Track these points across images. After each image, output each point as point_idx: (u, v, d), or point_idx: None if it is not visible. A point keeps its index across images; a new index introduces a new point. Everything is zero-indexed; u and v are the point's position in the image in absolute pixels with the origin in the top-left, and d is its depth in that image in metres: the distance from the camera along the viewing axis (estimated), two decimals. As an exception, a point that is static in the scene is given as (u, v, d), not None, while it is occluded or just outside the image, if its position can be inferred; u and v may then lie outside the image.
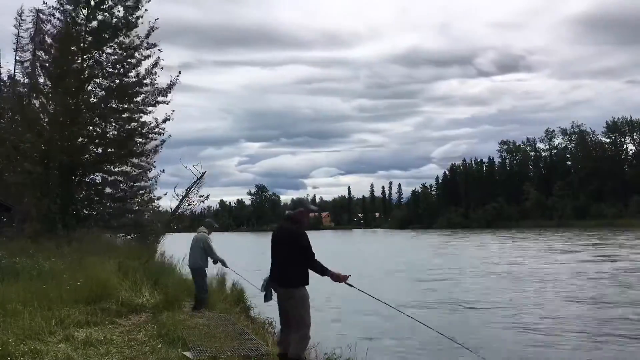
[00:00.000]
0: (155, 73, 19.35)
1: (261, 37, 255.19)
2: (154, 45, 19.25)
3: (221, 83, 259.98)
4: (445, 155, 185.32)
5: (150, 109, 19.63)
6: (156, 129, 19.67)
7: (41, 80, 21.06)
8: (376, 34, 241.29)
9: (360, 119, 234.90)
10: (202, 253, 9.27)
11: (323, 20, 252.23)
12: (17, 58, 28.58)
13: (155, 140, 19.81)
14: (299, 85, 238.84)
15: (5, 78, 28.29)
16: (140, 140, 19.82)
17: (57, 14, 19.48)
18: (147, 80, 19.37)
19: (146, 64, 19.45)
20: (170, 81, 19.50)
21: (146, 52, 19.36)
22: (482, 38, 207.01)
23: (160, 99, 19.52)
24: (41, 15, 22.91)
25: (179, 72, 19.94)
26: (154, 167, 20.15)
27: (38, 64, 21.97)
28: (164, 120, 19.54)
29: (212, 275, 12.12)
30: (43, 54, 21.14)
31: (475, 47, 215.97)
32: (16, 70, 28.55)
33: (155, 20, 19.42)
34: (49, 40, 20.49)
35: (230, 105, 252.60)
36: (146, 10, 19.32)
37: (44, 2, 19.54)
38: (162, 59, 19.48)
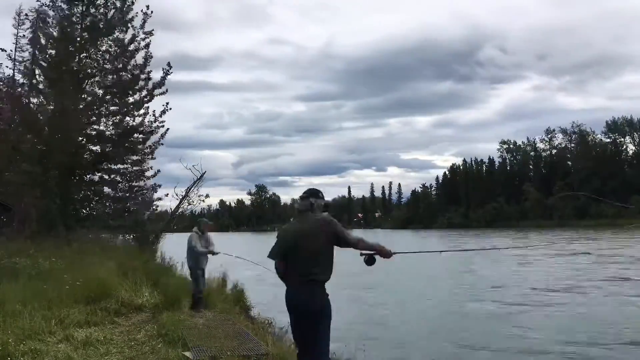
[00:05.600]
0: (148, 64, 19.37)
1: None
2: (150, 33, 19.26)
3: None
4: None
5: (146, 104, 19.58)
6: (155, 123, 19.60)
7: (39, 80, 21.03)
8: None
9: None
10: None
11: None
12: (16, 58, 28.46)
13: (154, 134, 19.75)
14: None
15: (3, 78, 28.13)
16: (138, 135, 19.74)
17: (52, 12, 19.55)
18: (142, 75, 19.37)
19: (139, 57, 19.44)
20: (164, 73, 19.48)
21: (143, 43, 19.38)
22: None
23: (156, 92, 19.48)
24: (39, 14, 22.84)
25: (168, 63, 19.75)
26: (150, 168, 20.10)
27: (36, 64, 21.90)
28: (162, 113, 19.50)
29: (212, 275, 12.16)
30: (39, 53, 21.09)
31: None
32: (15, 70, 28.44)
33: (151, 13, 19.37)
34: (44, 40, 20.45)
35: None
36: (137, 13, 19.34)
37: (38, 1, 19.61)
38: (151, 54, 19.49)
